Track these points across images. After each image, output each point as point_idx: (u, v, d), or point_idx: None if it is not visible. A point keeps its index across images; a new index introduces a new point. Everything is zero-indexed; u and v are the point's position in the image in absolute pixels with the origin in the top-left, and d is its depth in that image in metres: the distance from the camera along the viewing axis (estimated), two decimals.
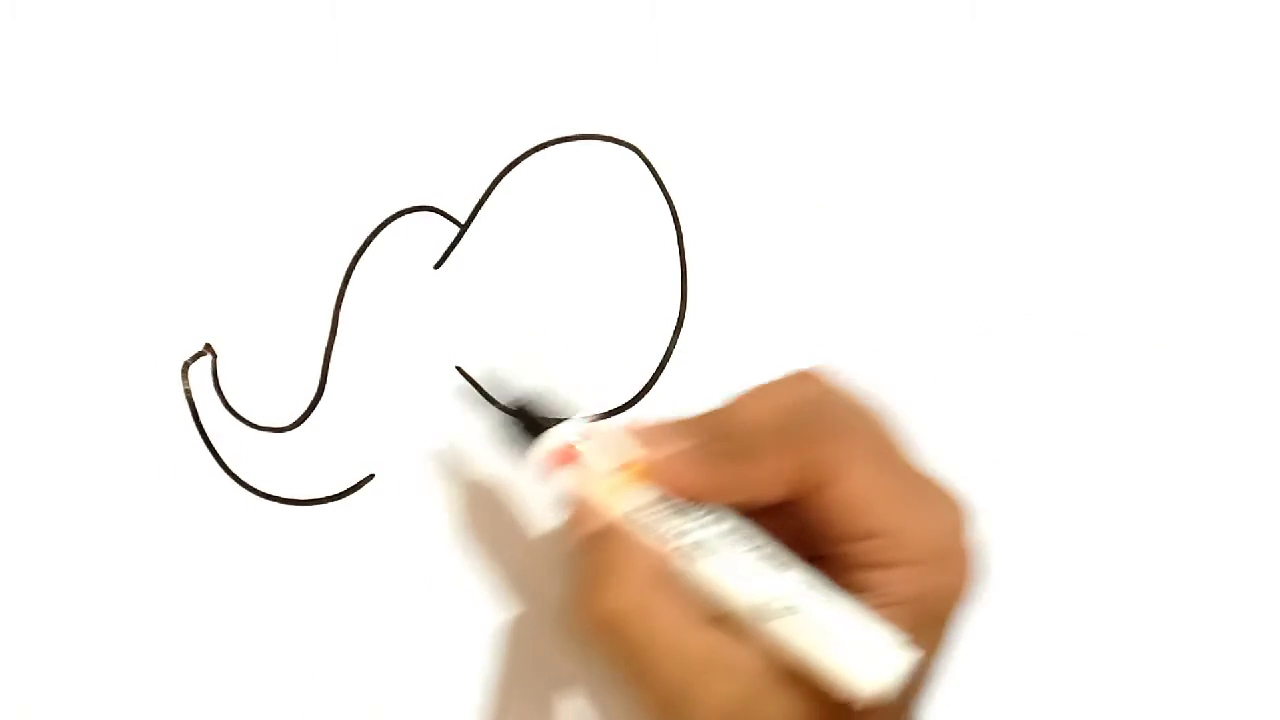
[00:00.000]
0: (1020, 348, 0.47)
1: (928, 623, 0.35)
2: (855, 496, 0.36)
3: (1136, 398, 0.48)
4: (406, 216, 0.47)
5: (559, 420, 0.39)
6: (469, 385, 0.46)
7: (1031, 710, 0.47)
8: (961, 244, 0.48)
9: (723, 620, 0.36)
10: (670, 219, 0.47)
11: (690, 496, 0.37)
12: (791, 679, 0.35)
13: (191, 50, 0.46)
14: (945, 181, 0.48)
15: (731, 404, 0.38)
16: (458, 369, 0.46)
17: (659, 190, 0.47)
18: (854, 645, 0.34)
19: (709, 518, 0.36)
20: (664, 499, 0.37)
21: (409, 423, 0.46)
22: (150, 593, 0.45)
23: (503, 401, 0.40)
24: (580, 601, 0.36)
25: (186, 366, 0.46)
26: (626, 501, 0.37)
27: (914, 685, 0.36)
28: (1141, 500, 0.47)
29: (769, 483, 0.36)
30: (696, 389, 0.47)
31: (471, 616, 0.45)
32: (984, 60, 0.48)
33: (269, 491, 0.46)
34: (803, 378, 0.38)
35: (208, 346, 0.46)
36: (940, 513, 0.36)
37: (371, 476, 0.46)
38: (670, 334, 0.47)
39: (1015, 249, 0.48)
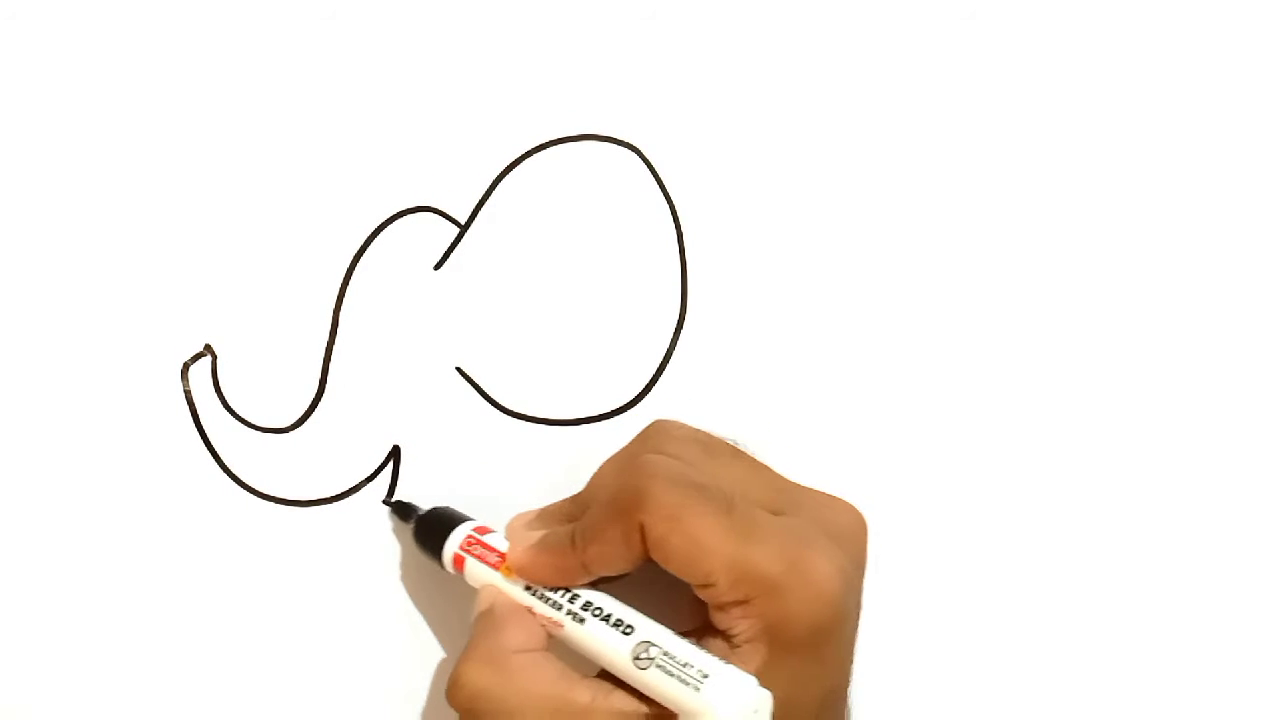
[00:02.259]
0: (1021, 347, 0.47)
1: (790, 652, 0.37)
2: (677, 549, 0.38)
3: (1137, 398, 0.48)
4: (406, 217, 0.46)
5: (458, 522, 0.43)
6: (473, 389, 0.46)
7: (1032, 710, 0.47)
8: (962, 244, 0.48)
9: (601, 678, 0.39)
10: (670, 219, 0.47)
11: (546, 584, 0.40)
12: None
13: (191, 50, 0.46)
14: (945, 181, 0.48)
15: (591, 482, 0.42)
16: (458, 370, 0.46)
17: (659, 190, 0.47)
18: (706, 687, 0.36)
19: (566, 596, 0.40)
20: (529, 588, 0.41)
21: (409, 423, 0.46)
22: (150, 593, 0.45)
23: (411, 515, 0.44)
24: (449, 683, 0.39)
25: (186, 367, 0.46)
26: (511, 590, 0.41)
27: (801, 708, 0.38)
28: (1141, 500, 0.47)
29: (612, 557, 0.39)
30: (696, 389, 0.47)
31: (471, 618, 0.45)
32: (984, 61, 0.48)
33: (269, 492, 0.45)
34: (642, 436, 0.42)
35: (208, 347, 0.46)
36: (774, 543, 0.38)
37: (386, 464, 0.46)
38: (670, 334, 0.47)
39: (1016, 249, 0.48)
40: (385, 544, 0.46)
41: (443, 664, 0.45)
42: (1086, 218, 0.48)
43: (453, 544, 0.43)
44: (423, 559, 0.45)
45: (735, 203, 0.47)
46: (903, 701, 0.46)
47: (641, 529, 0.38)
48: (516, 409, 0.46)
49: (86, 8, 0.46)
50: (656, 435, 0.41)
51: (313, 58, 0.46)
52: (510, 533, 0.43)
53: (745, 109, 0.47)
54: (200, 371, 0.46)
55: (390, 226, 0.46)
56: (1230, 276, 0.48)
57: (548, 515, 0.42)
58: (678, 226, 0.47)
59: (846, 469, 0.47)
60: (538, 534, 0.41)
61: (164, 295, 0.46)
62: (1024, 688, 0.47)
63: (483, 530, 0.43)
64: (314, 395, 0.46)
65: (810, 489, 0.41)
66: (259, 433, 0.46)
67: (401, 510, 0.45)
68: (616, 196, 0.47)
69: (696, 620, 0.39)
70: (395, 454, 0.46)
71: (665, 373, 0.47)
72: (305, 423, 0.46)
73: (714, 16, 0.48)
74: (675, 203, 0.47)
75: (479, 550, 0.42)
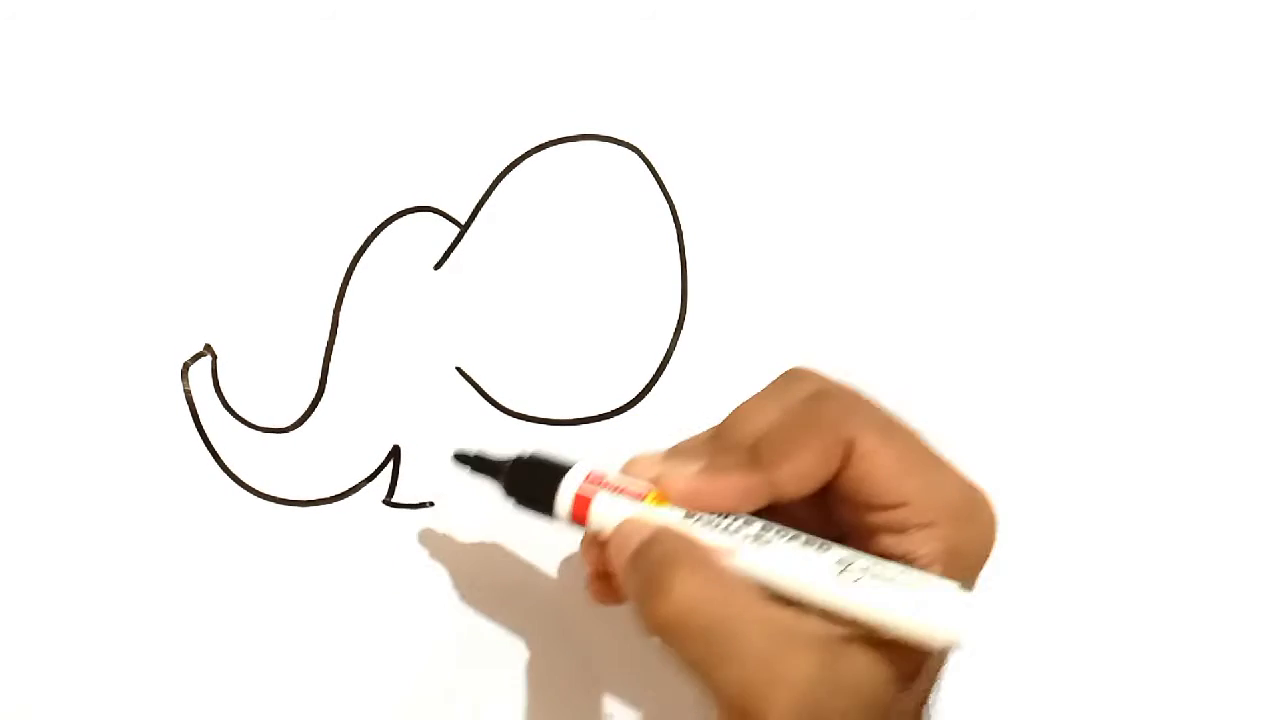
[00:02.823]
0: (1021, 347, 0.47)
1: (961, 577, 0.37)
2: (877, 469, 0.37)
3: (1138, 399, 0.48)
4: (406, 217, 0.46)
5: (563, 471, 0.39)
6: (473, 389, 0.46)
7: (1032, 711, 0.47)
8: (962, 244, 0.48)
9: (787, 601, 0.36)
10: (670, 219, 0.47)
11: (719, 509, 0.37)
12: (867, 643, 0.35)
13: (192, 51, 0.46)
14: (945, 181, 0.48)
15: (732, 417, 0.39)
16: (458, 369, 0.46)
17: (659, 190, 0.47)
18: (921, 601, 0.35)
19: (739, 521, 0.37)
20: (690, 516, 0.37)
21: (409, 423, 0.46)
22: (150, 593, 0.45)
23: (503, 465, 0.40)
24: (648, 605, 0.35)
25: (186, 367, 0.46)
26: (664, 520, 0.37)
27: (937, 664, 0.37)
28: (1142, 502, 0.47)
29: (802, 475, 0.37)
30: (696, 389, 0.47)
31: (471, 617, 0.45)
32: (984, 61, 0.48)
33: (269, 492, 0.45)
34: (794, 375, 0.40)
35: (208, 347, 0.46)
36: (953, 474, 0.38)
37: (392, 460, 0.46)
38: (670, 334, 0.47)
39: (1015, 249, 0.48)
40: (385, 544, 0.46)
41: (442, 664, 0.45)
42: (1086, 217, 0.48)
43: (570, 486, 0.38)
44: (423, 560, 0.45)
45: (735, 203, 0.47)
46: None
47: (844, 447, 0.37)
48: (516, 409, 0.46)
49: (86, 8, 0.46)
50: (811, 375, 0.39)
51: (313, 58, 0.46)
52: (643, 469, 0.39)
53: (745, 109, 0.47)
54: (200, 371, 0.46)
55: (390, 226, 0.46)
56: (1230, 273, 0.48)
57: (688, 450, 0.39)
58: (678, 226, 0.47)
59: None
60: (695, 462, 0.38)
61: (164, 295, 0.46)
62: (1025, 688, 0.47)
63: (597, 475, 0.38)
64: (314, 395, 0.46)
65: None
66: (259, 433, 0.46)
67: (477, 464, 0.41)
68: (616, 196, 0.47)
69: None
70: (395, 454, 0.46)
71: (665, 373, 0.47)
72: (305, 423, 0.46)
73: (714, 16, 0.48)
74: (675, 203, 0.47)
75: (610, 489, 0.38)
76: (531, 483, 0.39)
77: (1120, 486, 0.47)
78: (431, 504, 0.46)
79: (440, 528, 0.45)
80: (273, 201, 0.46)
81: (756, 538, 0.36)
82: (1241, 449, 0.48)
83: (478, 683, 0.45)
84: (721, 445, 0.38)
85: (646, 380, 0.47)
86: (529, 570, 0.46)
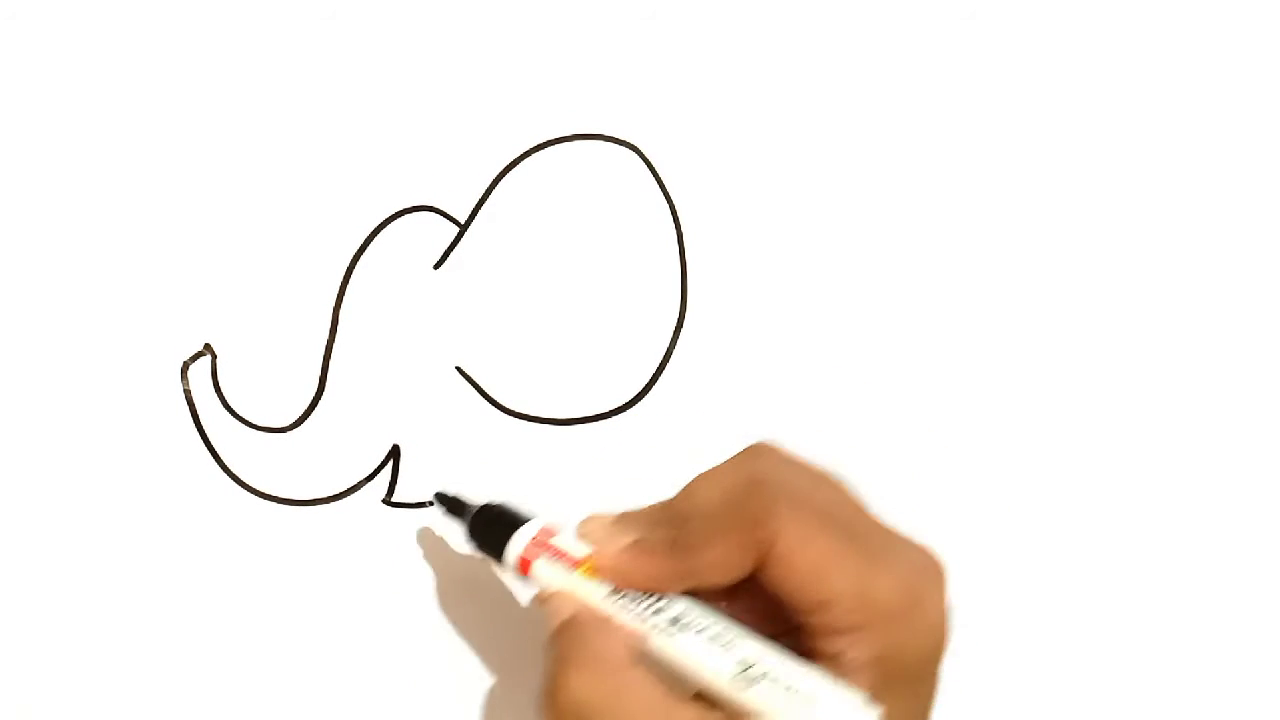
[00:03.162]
0: (1021, 348, 0.47)
1: (895, 682, 0.36)
2: (803, 568, 0.37)
3: (1140, 400, 0.48)
4: (406, 216, 0.46)
5: (521, 522, 0.40)
6: (473, 389, 0.46)
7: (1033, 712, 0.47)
8: (962, 243, 0.48)
9: (696, 698, 0.37)
10: (670, 219, 0.47)
11: (641, 588, 0.38)
12: None
13: (191, 50, 0.46)
14: (945, 181, 0.48)
15: (685, 491, 0.40)
16: (458, 369, 0.46)
17: (659, 190, 0.47)
18: (812, 712, 0.35)
19: (660, 603, 0.38)
20: (617, 593, 0.38)
21: (409, 423, 0.46)
22: (150, 593, 0.45)
23: (468, 509, 0.42)
24: (544, 693, 0.37)
25: (186, 366, 0.46)
26: (589, 595, 0.38)
27: None
28: (1143, 503, 0.47)
29: (718, 567, 0.37)
30: (696, 389, 0.47)
31: (471, 617, 0.45)
32: (983, 61, 0.48)
33: (269, 492, 0.45)
34: (751, 454, 0.40)
35: (208, 346, 0.46)
36: (897, 573, 0.37)
37: (386, 464, 0.46)
38: (670, 334, 0.47)
39: (1015, 248, 0.48)
40: (385, 544, 0.46)
41: (442, 663, 0.45)
42: (1086, 216, 0.48)
43: (519, 543, 0.40)
44: (422, 559, 0.45)
45: (735, 203, 0.47)
46: None
47: (762, 544, 0.37)
48: (516, 409, 0.46)
49: (86, 8, 0.46)
50: (766, 455, 0.40)
51: (313, 58, 0.47)
52: (589, 534, 0.40)
53: (745, 109, 0.47)
54: (200, 371, 0.46)
55: (390, 226, 0.46)
56: (1230, 273, 0.48)
57: (633, 520, 0.40)
58: (678, 226, 0.47)
59: (846, 468, 0.47)
60: (629, 536, 0.39)
61: (164, 295, 0.46)
62: (1023, 695, 0.47)
63: (549, 531, 0.40)
64: (314, 395, 0.46)
65: (896, 532, 0.40)
66: (259, 432, 0.46)
67: (451, 505, 0.43)
68: (616, 196, 0.47)
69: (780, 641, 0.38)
70: (395, 454, 0.46)
71: (665, 373, 0.47)
72: (305, 422, 0.46)
73: (714, 16, 0.48)
74: (675, 203, 0.47)
75: (551, 552, 0.39)
76: (489, 532, 0.41)
77: (1121, 487, 0.47)
78: (432, 504, 0.46)
79: (440, 528, 0.45)
80: (273, 201, 0.46)
81: (672, 622, 0.37)
82: (1242, 449, 0.48)
83: (477, 683, 0.45)
84: (664, 519, 0.39)
85: (646, 380, 0.47)
86: None
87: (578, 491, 0.46)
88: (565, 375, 0.46)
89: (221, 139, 0.46)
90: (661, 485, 0.44)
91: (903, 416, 0.47)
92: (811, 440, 0.47)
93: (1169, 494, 0.47)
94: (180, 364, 0.46)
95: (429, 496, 0.45)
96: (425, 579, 0.45)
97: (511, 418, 0.46)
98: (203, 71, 0.46)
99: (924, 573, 0.38)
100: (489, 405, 0.46)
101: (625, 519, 0.40)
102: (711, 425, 0.46)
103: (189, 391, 0.46)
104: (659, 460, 0.46)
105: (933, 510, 0.47)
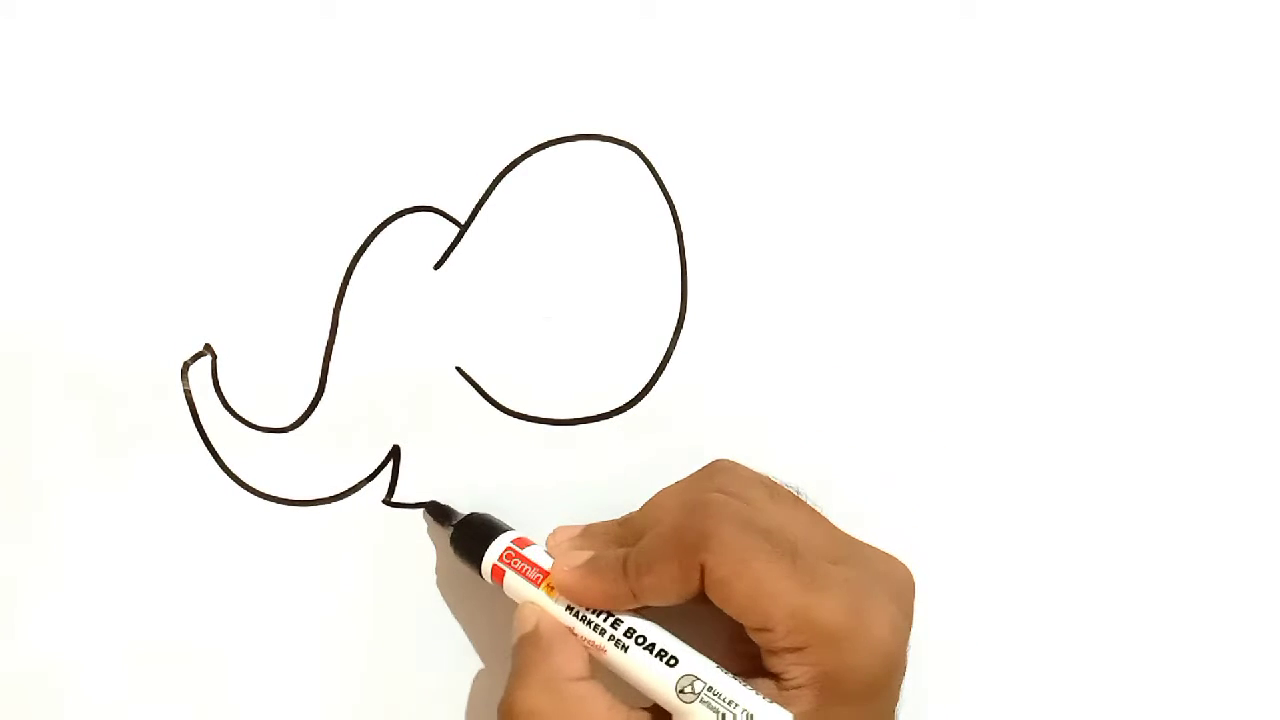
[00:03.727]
0: (1021, 347, 0.47)
1: (838, 701, 0.37)
2: (742, 592, 0.38)
3: (1142, 401, 0.48)
4: (406, 216, 0.46)
5: (498, 532, 0.43)
6: (473, 389, 0.46)
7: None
8: (961, 242, 0.48)
9: (654, 709, 0.39)
10: (670, 219, 0.47)
11: (592, 606, 0.40)
12: None
13: (191, 50, 0.46)
14: (945, 180, 0.48)
15: (644, 509, 0.42)
16: (458, 369, 0.46)
17: (659, 190, 0.47)
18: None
19: (609, 621, 0.39)
20: (574, 609, 0.40)
21: (409, 423, 0.46)
22: (150, 593, 0.45)
23: (451, 519, 0.44)
24: (504, 704, 0.39)
25: (186, 366, 0.46)
26: (552, 608, 0.40)
27: None
28: (1142, 503, 0.47)
29: (661, 590, 0.39)
30: (696, 389, 0.47)
31: (471, 617, 0.45)
32: (982, 59, 0.48)
33: (269, 492, 0.46)
34: (706, 474, 0.41)
35: (208, 347, 0.46)
36: (839, 594, 0.38)
37: (386, 465, 0.46)
38: (670, 334, 0.47)
39: (1014, 247, 0.48)
40: (385, 544, 0.46)
41: (442, 664, 0.45)
42: (1084, 215, 0.48)
43: (492, 555, 0.42)
44: (423, 560, 0.45)
45: (735, 203, 0.47)
46: None
47: (703, 568, 0.38)
48: (516, 409, 0.46)
49: (86, 8, 0.46)
50: (721, 474, 0.41)
51: (312, 57, 0.46)
52: (553, 548, 0.42)
53: (745, 109, 0.47)
54: (200, 371, 0.46)
55: (390, 226, 0.46)
56: (1230, 273, 0.48)
57: (594, 534, 0.42)
58: (678, 226, 0.47)
59: (846, 469, 0.47)
60: (585, 554, 0.41)
61: (164, 295, 0.46)
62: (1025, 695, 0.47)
63: (523, 542, 0.42)
64: (314, 395, 0.46)
65: (863, 543, 0.41)
66: (259, 433, 0.46)
67: (439, 513, 0.45)
68: (616, 196, 0.47)
69: (742, 657, 0.39)
70: (395, 454, 0.46)
71: (665, 373, 0.47)
72: (305, 423, 0.46)
73: (713, 16, 0.48)
74: (675, 203, 0.47)
75: (520, 564, 0.41)
76: (469, 543, 0.43)
77: (1120, 488, 0.47)
78: (431, 504, 0.46)
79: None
80: (273, 201, 0.46)
81: (626, 635, 0.39)
82: (1241, 449, 0.48)
83: (477, 682, 0.45)
84: (619, 537, 0.41)
85: (646, 380, 0.47)
86: None
87: (577, 491, 0.46)
88: (565, 375, 0.46)
89: (221, 139, 0.46)
90: (661, 485, 0.44)
91: (902, 417, 0.47)
92: (811, 441, 0.47)
93: (1169, 494, 0.47)
94: (180, 364, 0.46)
95: (428, 498, 0.46)
96: (425, 579, 0.46)
97: (511, 418, 0.46)
98: (202, 71, 0.46)
99: (870, 592, 0.38)
100: (489, 405, 0.46)
101: (588, 533, 0.42)
102: (711, 425, 0.46)
103: (189, 391, 0.46)
104: (659, 460, 0.46)
105: (932, 511, 0.47)
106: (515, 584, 0.41)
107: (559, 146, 0.47)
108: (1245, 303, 0.48)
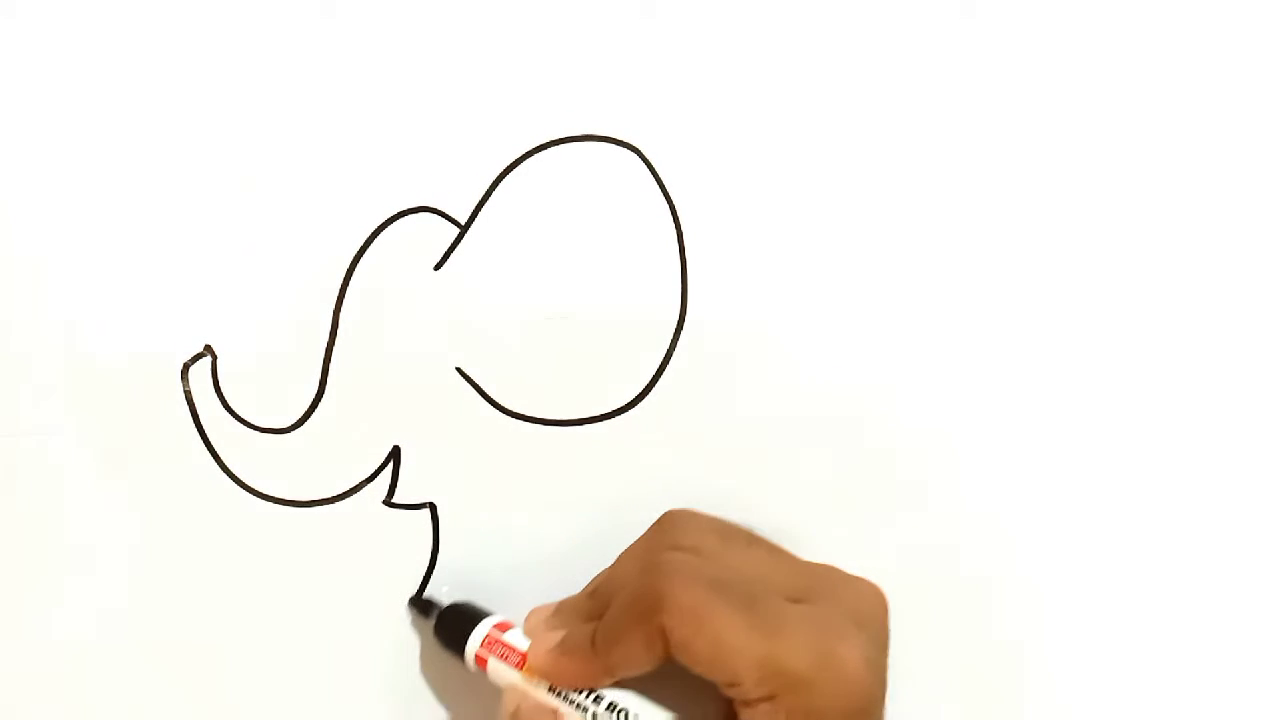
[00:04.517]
0: (1021, 347, 0.47)
1: None
2: (704, 651, 0.37)
3: (1144, 401, 0.48)
4: (407, 217, 0.46)
5: (479, 619, 0.43)
6: (473, 389, 0.46)
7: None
8: (961, 242, 0.48)
9: None
10: (670, 219, 0.47)
11: (570, 687, 0.40)
12: None
13: (190, 50, 0.46)
14: (945, 180, 0.48)
15: (605, 574, 0.42)
16: (458, 369, 0.46)
17: (659, 190, 0.47)
18: None
19: (590, 698, 0.40)
20: (553, 690, 0.41)
21: (409, 423, 0.46)
22: (150, 593, 0.45)
23: (434, 609, 0.44)
24: None
25: (186, 367, 0.46)
26: (534, 689, 0.41)
27: None
28: (1143, 504, 0.47)
29: (630, 662, 0.39)
30: (696, 389, 0.47)
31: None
32: (982, 59, 0.48)
33: (269, 492, 0.46)
34: (657, 529, 0.41)
35: (208, 347, 0.46)
36: (802, 636, 0.37)
37: (385, 467, 0.46)
38: (670, 334, 0.47)
39: (1015, 247, 0.48)
40: (385, 544, 0.46)
41: (442, 664, 0.45)
42: (1085, 215, 0.48)
43: (474, 644, 0.43)
44: (423, 560, 0.45)
45: (735, 203, 0.47)
46: None
47: (663, 632, 0.37)
48: (516, 409, 0.46)
49: (86, 8, 0.46)
50: (671, 527, 0.41)
51: (312, 57, 0.46)
52: (529, 630, 0.42)
53: (745, 109, 0.47)
54: (200, 371, 0.46)
55: (390, 226, 0.46)
56: (1230, 273, 0.48)
57: (566, 611, 0.42)
58: (678, 226, 0.47)
59: (847, 469, 0.47)
60: (557, 634, 0.41)
61: (164, 296, 0.46)
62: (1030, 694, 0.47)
63: (503, 626, 0.43)
64: (314, 395, 0.46)
65: (829, 568, 0.41)
66: (259, 433, 0.46)
67: (422, 607, 0.45)
68: (616, 196, 0.47)
69: (725, 713, 0.39)
70: (395, 454, 0.46)
71: (665, 373, 0.47)
72: (305, 423, 0.46)
73: (713, 16, 0.48)
74: (675, 203, 0.47)
75: (500, 650, 0.42)
76: (451, 633, 0.43)
77: (1121, 488, 0.47)
78: (431, 504, 0.46)
79: (440, 528, 0.45)
80: (273, 202, 0.46)
81: (607, 709, 0.39)
82: (1242, 449, 0.48)
83: (477, 682, 0.46)
84: (588, 611, 0.41)
85: (646, 380, 0.47)
86: (530, 566, 0.46)
87: (578, 492, 0.46)
88: (565, 375, 0.46)
89: (221, 139, 0.46)
90: (661, 485, 0.44)
91: (902, 417, 0.47)
92: (811, 441, 0.47)
93: (1168, 494, 0.48)
94: (181, 364, 0.46)
95: (429, 498, 0.46)
96: (425, 579, 0.46)
97: (511, 418, 0.46)
98: (203, 71, 0.46)
99: (836, 626, 0.38)
100: (489, 405, 0.46)
101: (560, 611, 0.42)
102: (711, 426, 0.46)
103: (189, 392, 0.46)
104: (659, 460, 0.46)
105: (932, 512, 0.47)
106: (498, 669, 0.42)
107: (559, 147, 0.47)
108: (1245, 302, 0.48)
